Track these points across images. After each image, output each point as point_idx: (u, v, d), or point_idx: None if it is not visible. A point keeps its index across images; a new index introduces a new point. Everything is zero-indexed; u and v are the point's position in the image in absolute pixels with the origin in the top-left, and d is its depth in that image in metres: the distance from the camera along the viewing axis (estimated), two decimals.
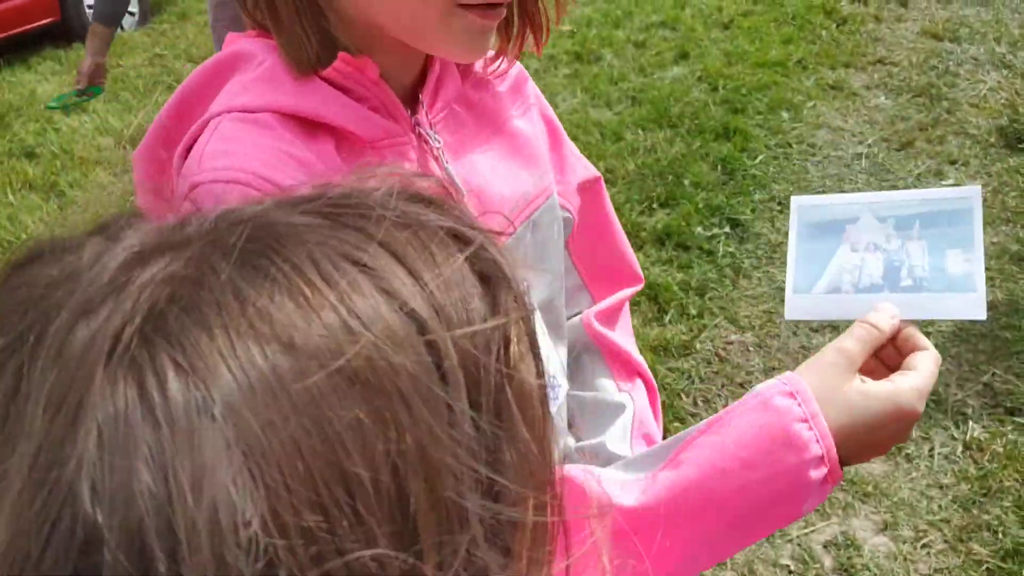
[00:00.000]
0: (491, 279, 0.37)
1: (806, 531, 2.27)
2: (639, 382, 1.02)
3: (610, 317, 1.04)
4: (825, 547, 2.23)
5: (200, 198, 0.66)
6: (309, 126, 0.73)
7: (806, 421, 0.67)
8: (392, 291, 0.33)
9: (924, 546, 2.20)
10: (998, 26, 4.86)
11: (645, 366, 1.04)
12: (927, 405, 2.36)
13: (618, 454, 0.92)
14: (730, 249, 3.31)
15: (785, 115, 4.21)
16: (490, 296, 0.36)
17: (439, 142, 0.80)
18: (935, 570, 2.15)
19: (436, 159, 0.80)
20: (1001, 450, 2.39)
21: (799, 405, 0.68)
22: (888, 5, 5.31)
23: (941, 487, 2.34)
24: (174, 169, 0.74)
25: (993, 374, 2.63)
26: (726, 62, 4.78)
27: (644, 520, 0.67)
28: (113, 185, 4.35)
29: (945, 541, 2.21)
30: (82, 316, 0.31)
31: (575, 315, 1.02)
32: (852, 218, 0.82)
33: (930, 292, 0.78)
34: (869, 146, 3.90)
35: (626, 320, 1.07)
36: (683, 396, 2.70)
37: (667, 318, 2.98)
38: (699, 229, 3.40)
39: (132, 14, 6.73)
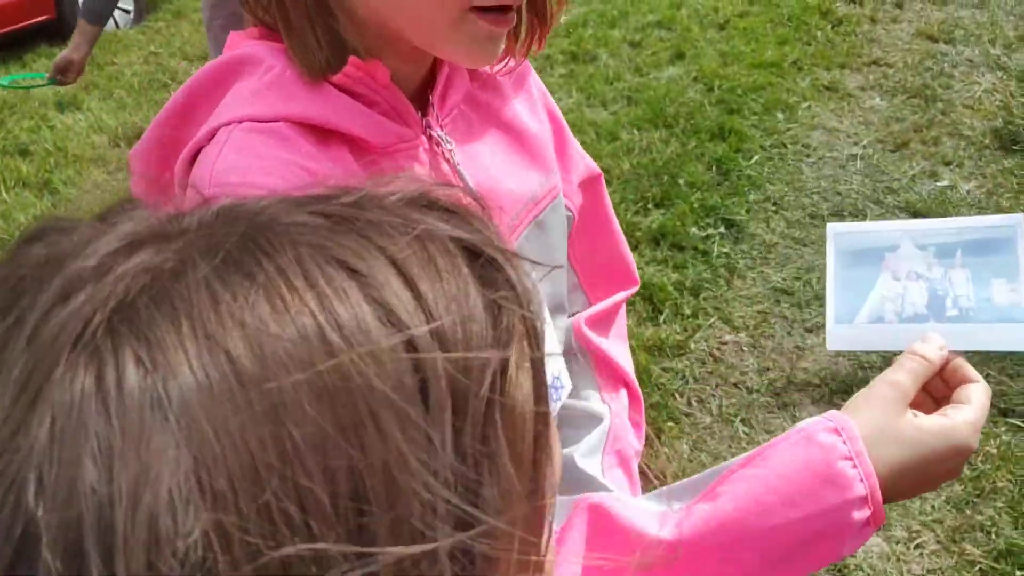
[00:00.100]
0: (499, 299, 0.34)
1: None
2: (623, 392, 1.01)
3: (603, 321, 1.03)
4: None
5: None
6: (322, 133, 0.72)
7: (851, 459, 0.65)
8: (383, 302, 0.31)
9: (917, 546, 2.20)
10: (993, 28, 4.87)
11: (632, 375, 1.03)
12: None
13: (585, 471, 0.91)
14: (725, 249, 3.31)
15: (780, 116, 4.21)
16: (495, 318, 0.34)
17: (451, 144, 0.79)
18: (928, 570, 2.15)
19: (448, 161, 0.79)
20: (995, 451, 2.39)
21: (844, 442, 0.65)
22: (883, 6, 5.32)
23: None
24: (176, 172, 0.73)
25: (987, 375, 2.63)
26: (722, 63, 4.78)
27: (677, 554, 0.65)
28: (107, 183, 4.34)
29: (938, 542, 2.21)
30: (60, 300, 0.30)
31: (569, 316, 1.01)
32: (891, 246, 0.81)
33: (977, 322, 0.76)
34: (864, 147, 3.91)
35: (620, 323, 1.06)
36: (677, 396, 2.70)
37: (662, 318, 2.98)
38: (694, 229, 3.40)
39: (127, 12, 6.72)
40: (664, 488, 0.71)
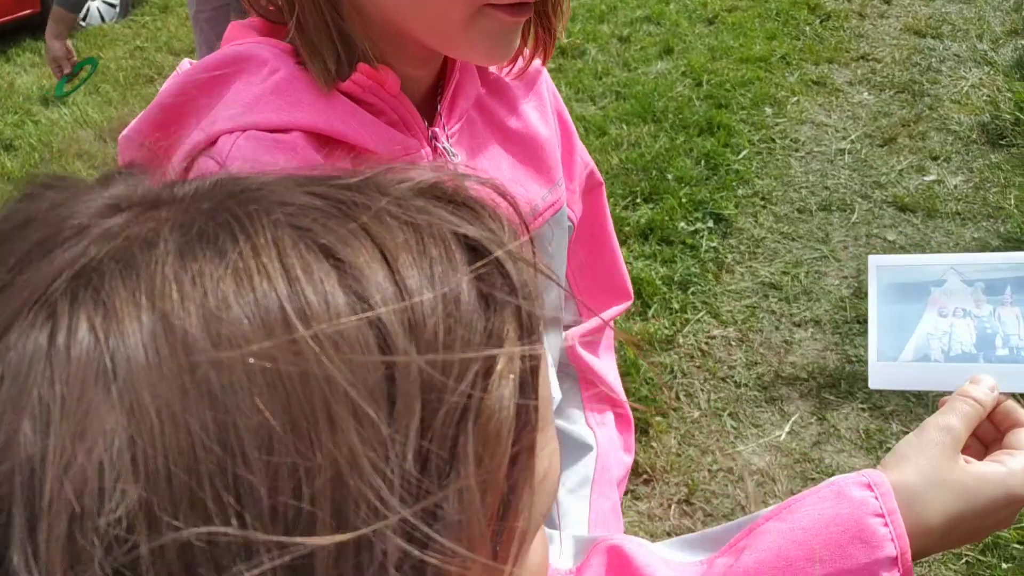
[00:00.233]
0: (497, 303, 0.32)
1: None
2: (609, 415, 0.99)
3: (594, 338, 1.00)
4: None
5: None
6: (325, 142, 0.70)
7: (882, 517, 0.61)
8: (361, 293, 0.29)
9: None
10: (980, 23, 4.88)
11: (621, 393, 1.01)
12: (908, 401, 2.36)
13: (568, 509, 0.89)
14: (713, 244, 3.31)
15: (769, 110, 4.21)
16: (487, 323, 0.32)
17: (456, 156, 0.78)
18: (916, 564, 2.15)
19: None
20: None
21: (876, 498, 0.62)
22: (871, 2, 5.32)
23: None
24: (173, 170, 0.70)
25: None
26: (710, 57, 4.78)
27: None
28: (92, 178, 4.30)
29: None
30: (37, 257, 0.29)
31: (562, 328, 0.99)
32: (937, 280, 0.77)
33: None
34: (852, 142, 3.91)
35: (608, 337, 1.03)
36: (665, 390, 2.70)
37: (650, 312, 2.98)
38: (682, 224, 3.39)
39: (113, 6, 6.67)
40: (688, 536, 0.69)
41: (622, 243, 3.24)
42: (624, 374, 2.55)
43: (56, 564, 0.25)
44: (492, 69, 0.84)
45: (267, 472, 0.27)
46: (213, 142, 0.68)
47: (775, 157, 3.87)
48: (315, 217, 0.31)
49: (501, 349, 0.32)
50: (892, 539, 0.61)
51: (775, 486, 2.38)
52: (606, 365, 1.01)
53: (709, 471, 2.44)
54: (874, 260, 0.80)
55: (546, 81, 0.91)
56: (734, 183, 3.64)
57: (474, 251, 0.33)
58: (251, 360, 0.27)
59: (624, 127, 4.13)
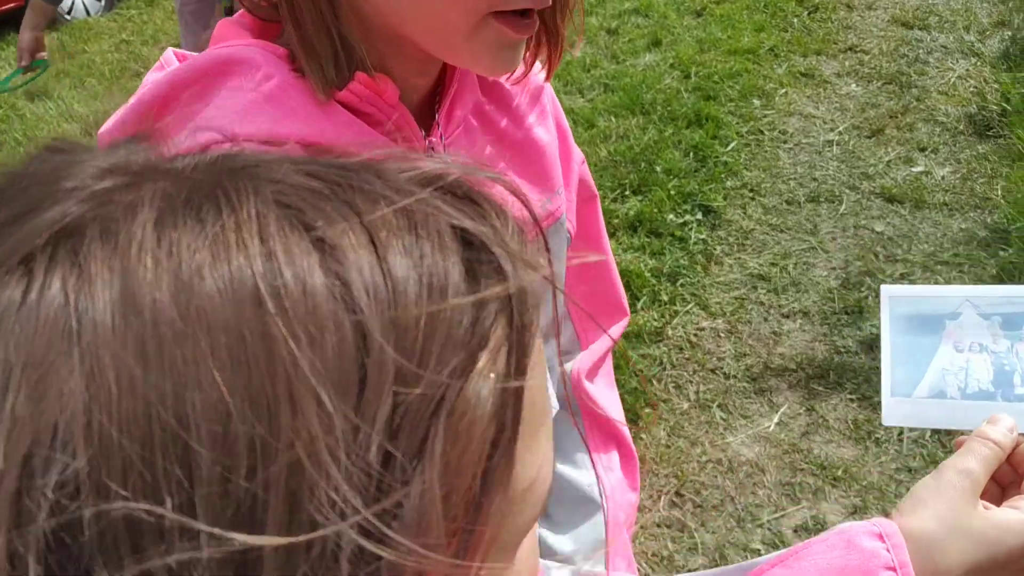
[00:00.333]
0: (487, 301, 0.31)
1: (776, 516, 2.27)
2: (615, 456, 0.95)
3: (596, 367, 0.97)
4: (795, 531, 2.24)
5: None
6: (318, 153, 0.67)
7: (894, 570, 0.59)
8: (342, 277, 0.29)
9: None
10: (967, 14, 4.89)
11: (624, 427, 0.98)
12: None
13: None
14: (702, 236, 3.31)
15: (757, 102, 4.21)
16: (475, 319, 0.31)
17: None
18: None
19: None
20: None
21: (887, 550, 0.60)
22: None
23: (910, 471, 2.35)
24: None
25: None
26: (698, 49, 4.78)
27: None
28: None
29: None
30: (27, 215, 0.29)
31: (560, 351, 0.95)
32: (952, 313, 0.75)
33: None
34: (840, 133, 3.92)
35: (608, 366, 1.00)
36: (655, 382, 2.70)
37: (639, 305, 2.98)
38: (671, 216, 3.40)
39: (99, 0, 6.63)
40: None
41: (611, 235, 3.24)
42: (615, 366, 2.55)
43: (2, 522, 0.25)
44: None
45: (222, 450, 0.26)
46: (203, 149, 0.65)
47: (763, 149, 3.87)
48: (306, 197, 0.30)
49: (485, 348, 0.31)
50: None
51: (764, 476, 2.38)
52: (609, 396, 0.97)
53: (698, 462, 2.44)
54: (887, 290, 0.77)
55: (547, 91, 0.89)
56: (722, 175, 3.65)
57: (470, 246, 0.32)
58: (218, 337, 0.27)
59: (613, 119, 4.12)
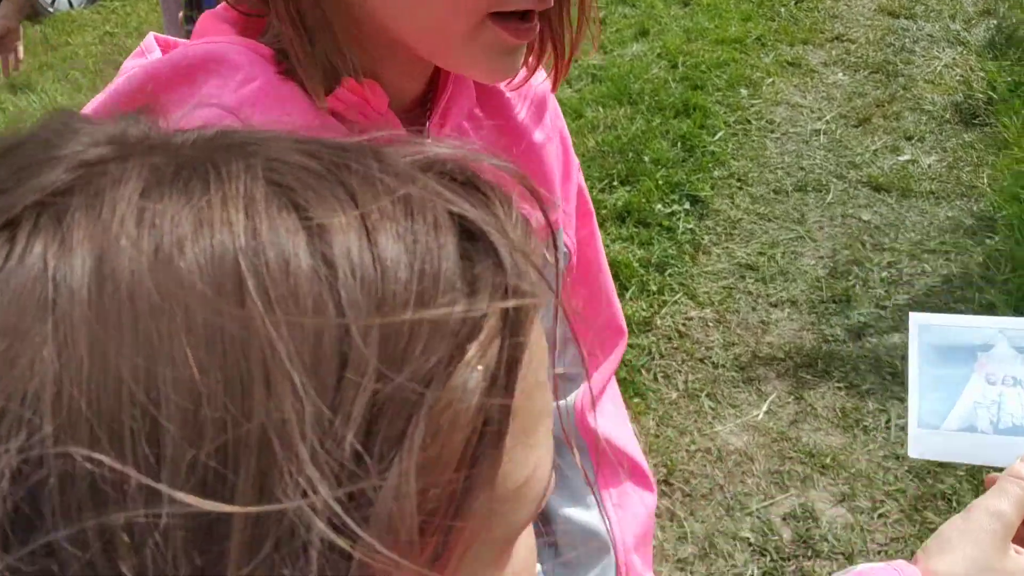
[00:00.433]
0: (480, 291, 0.30)
1: (765, 504, 2.28)
2: (627, 486, 0.91)
3: (599, 395, 0.93)
4: (784, 519, 2.25)
5: None
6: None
7: None
8: (329, 259, 0.28)
9: (881, 516, 2.23)
10: (953, 3, 4.90)
11: (638, 455, 0.93)
12: (884, 380, 2.36)
13: None
14: (690, 225, 3.31)
15: (744, 92, 4.21)
16: (467, 310, 0.29)
17: None
18: (891, 539, 2.18)
19: None
20: None
21: None
22: None
23: (897, 458, 2.36)
24: None
25: None
26: (686, 39, 4.77)
27: None
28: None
29: (901, 511, 2.24)
30: (20, 179, 0.29)
31: (561, 376, 0.91)
32: (985, 344, 0.72)
33: None
34: (827, 122, 3.92)
35: (613, 386, 0.95)
36: (644, 372, 2.70)
37: (628, 295, 2.98)
38: (659, 206, 3.39)
39: None
40: None
41: (599, 225, 3.23)
42: None
43: None
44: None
45: (191, 429, 0.25)
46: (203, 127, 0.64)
47: (751, 138, 3.87)
48: (301, 176, 0.30)
49: (475, 339, 0.29)
50: None
51: (753, 465, 2.39)
52: (617, 422, 0.93)
53: (687, 452, 2.45)
54: (916, 319, 0.75)
55: (552, 104, 0.85)
56: (710, 165, 3.65)
57: (468, 233, 0.31)
58: (195, 313, 0.26)
59: (600, 109, 4.12)
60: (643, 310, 2.92)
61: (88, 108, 0.68)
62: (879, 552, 2.15)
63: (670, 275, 3.07)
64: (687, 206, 3.41)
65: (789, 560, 2.16)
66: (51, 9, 6.31)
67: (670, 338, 2.82)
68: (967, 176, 3.47)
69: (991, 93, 3.91)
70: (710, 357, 2.74)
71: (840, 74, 4.33)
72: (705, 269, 3.11)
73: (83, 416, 0.25)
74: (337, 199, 0.29)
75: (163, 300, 0.26)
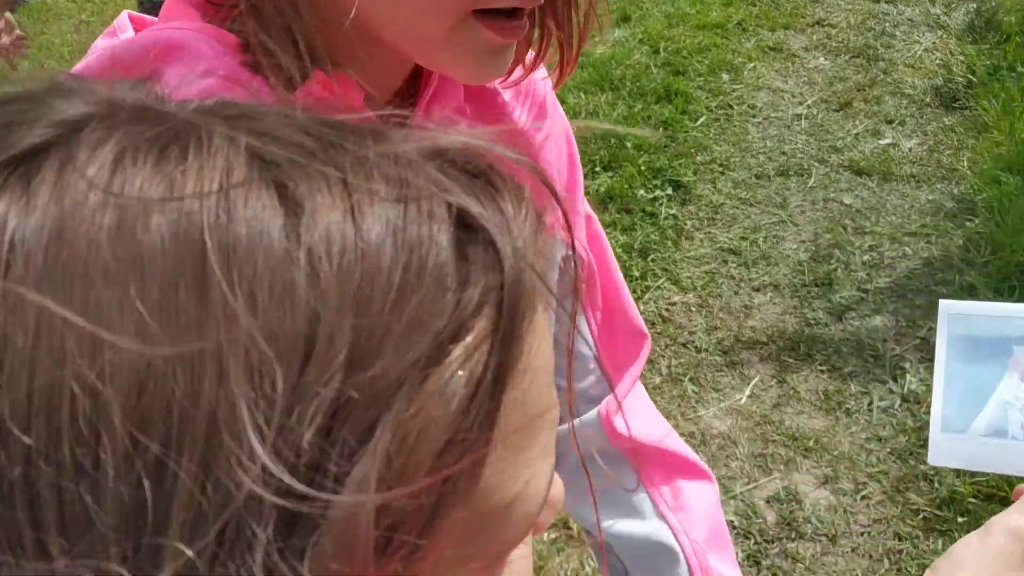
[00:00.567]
0: (471, 290, 0.27)
1: (749, 487, 2.29)
2: (679, 483, 0.84)
3: (623, 398, 0.88)
4: (768, 502, 2.26)
5: None
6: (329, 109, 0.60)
7: None
8: (305, 242, 0.26)
9: (863, 498, 2.24)
10: None
11: (681, 447, 0.86)
12: (866, 361, 2.37)
13: None
14: (672, 211, 3.31)
15: (726, 77, 4.21)
16: (455, 309, 0.27)
17: None
18: (874, 520, 2.19)
19: None
20: None
21: None
22: None
23: (880, 440, 2.38)
24: None
25: (929, 328, 2.67)
26: (667, 24, 4.76)
27: None
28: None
29: (884, 492, 2.25)
30: (5, 134, 0.28)
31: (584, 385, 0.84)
32: (1021, 337, 0.64)
33: None
34: (808, 107, 3.93)
35: (638, 390, 0.88)
36: None
37: None
38: (642, 192, 3.39)
39: None
40: None
41: None
42: None
43: None
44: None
45: (134, 410, 0.24)
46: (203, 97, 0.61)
47: (732, 123, 3.87)
48: (292, 154, 0.28)
49: (460, 341, 0.27)
50: None
51: (736, 449, 2.39)
52: (652, 423, 0.86)
53: None
54: (945, 307, 0.67)
55: (555, 107, 0.80)
56: (692, 150, 3.64)
57: (467, 227, 0.28)
58: (151, 285, 0.25)
59: (582, 96, 4.11)
60: None
61: None
62: (862, 533, 2.16)
63: (653, 260, 3.07)
64: (669, 191, 3.41)
65: (773, 542, 2.17)
66: None
67: (653, 323, 2.82)
68: (947, 159, 3.48)
69: (971, 77, 3.92)
70: (693, 342, 2.74)
71: (821, 59, 4.33)
72: (688, 254, 3.11)
73: (22, 386, 0.24)
74: (326, 180, 0.27)
75: (118, 270, 0.25)
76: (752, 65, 4.31)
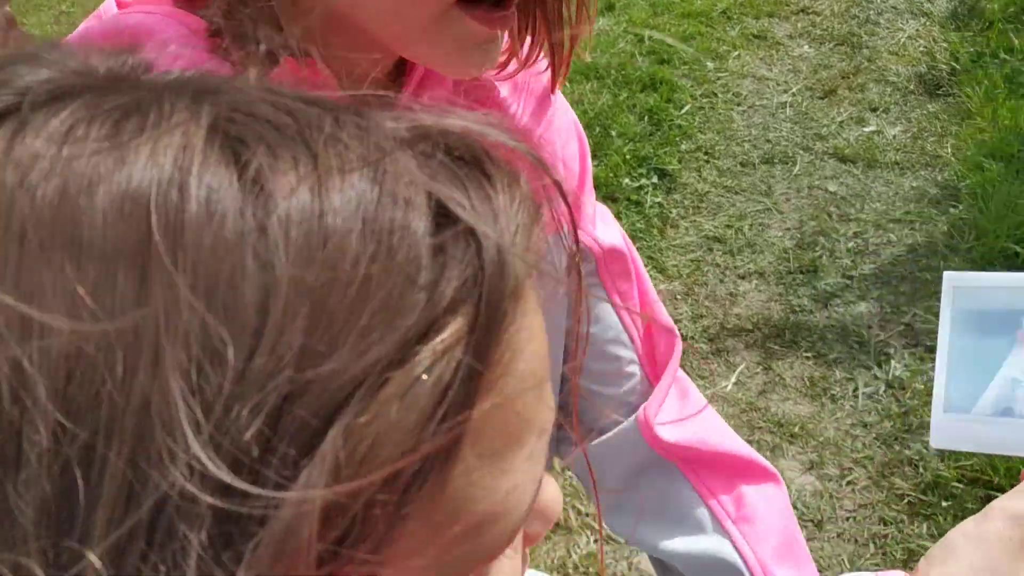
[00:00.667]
0: (444, 288, 0.25)
1: None
2: (741, 489, 0.78)
3: (663, 396, 0.82)
4: None
5: None
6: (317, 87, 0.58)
7: None
8: (262, 223, 0.24)
9: (849, 483, 2.25)
10: None
11: (741, 447, 0.80)
12: (851, 348, 2.37)
13: None
14: (657, 199, 3.30)
15: (710, 65, 4.20)
16: (426, 306, 0.25)
17: None
18: (860, 505, 2.19)
19: None
20: (922, 387, 2.44)
21: None
22: None
23: (865, 425, 2.38)
24: None
25: (914, 314, 2.68)
26: (652, 13, 4.75)
27: None
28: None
29: (869, 477, 2.26)
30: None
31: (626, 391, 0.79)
32: None
33: None
34: (793, 95, 3.93)
35: (684, 382, 0.83)
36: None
37: None
38: (627, 180, 3.38)
39: None
40: None
41: None
42: None
43: None
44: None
45: (62, 398, 0.22)
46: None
47: (717, 111, 3.87)
48: (259, 129, 0.26)
49: (428, 342, 0.25)
50: None
51: None
52: (702, 423, 0.81)
53: None
54: (950, 278, 0.63)
55: (560, 107, 0.75)
56: (677, 138, 3.64)
57: (447, 216, 0.26)
58: (89, 261, 0.23)
59: (567, 84, 4.08)
60: None
61: None
62: (847, 518, 2.17)
63: (638, 249, 3.05)
64: (655, 180, 3.41)
65: None
66: None
67: None
68: (931, 146, 3.49)
69: (954, 64, 3.93)
70: (679, 329, 2.74)
71: (805, 46, 4.33)
72: (673, 242, 3.11)
73: None
74: (294, 159, 0.25)
75: (56, 246, 0.23)
76: (736, 53, 4.30)
